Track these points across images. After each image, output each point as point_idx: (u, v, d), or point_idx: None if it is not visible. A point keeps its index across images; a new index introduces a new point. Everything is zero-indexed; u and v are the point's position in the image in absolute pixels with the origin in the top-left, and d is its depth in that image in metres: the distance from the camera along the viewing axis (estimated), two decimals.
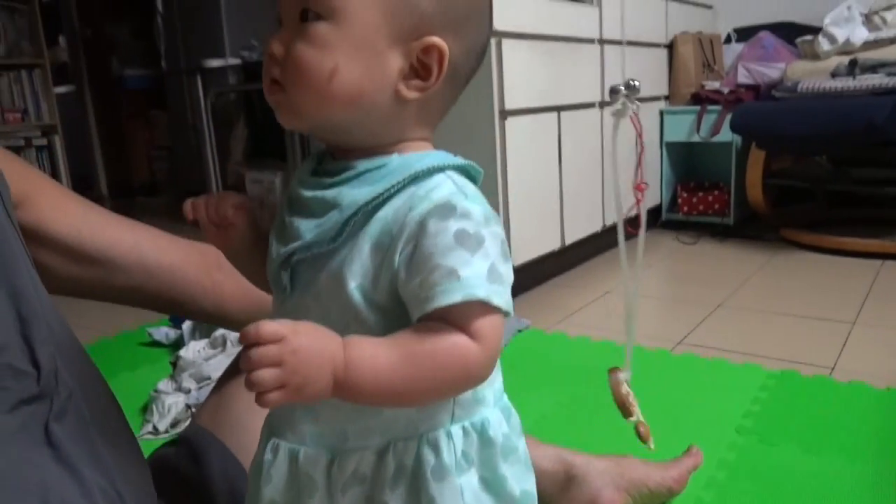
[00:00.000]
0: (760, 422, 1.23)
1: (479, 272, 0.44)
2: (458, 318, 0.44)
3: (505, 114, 1.90)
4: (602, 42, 2.36)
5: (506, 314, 0.46)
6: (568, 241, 2.26)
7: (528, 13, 1.98)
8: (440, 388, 0.46)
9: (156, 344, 1.78)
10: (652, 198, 2.85)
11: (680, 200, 2.88)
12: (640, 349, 1.61)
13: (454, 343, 0.44)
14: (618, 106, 0.81)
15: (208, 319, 0.82)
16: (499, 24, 1.85)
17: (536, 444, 0.95)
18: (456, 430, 0.50)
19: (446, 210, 0.45)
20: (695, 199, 2.84)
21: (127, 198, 5.06)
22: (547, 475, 0.93)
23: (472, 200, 0.46)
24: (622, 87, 0.82)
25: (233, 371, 0.82)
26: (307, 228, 0.48)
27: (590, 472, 0.94)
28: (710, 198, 2.81)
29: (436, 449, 0.49)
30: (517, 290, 2.09)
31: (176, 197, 4.65)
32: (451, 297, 0.43)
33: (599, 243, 2.53)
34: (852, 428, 1.19)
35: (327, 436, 0.51)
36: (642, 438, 0.83)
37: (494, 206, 1.92)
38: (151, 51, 4.54)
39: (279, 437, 0.53)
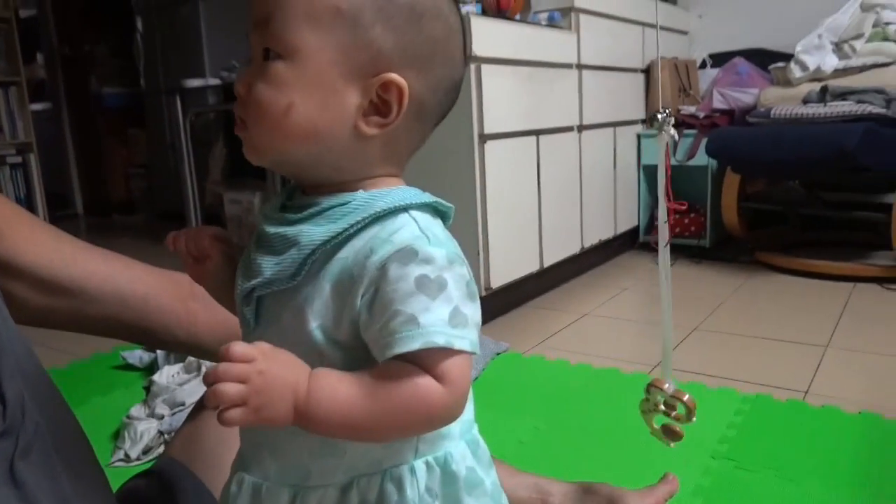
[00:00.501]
0: (735, 447, 1.24)
1: (440, 317, 0.44)
2: (422, 361, 0.45)
3: (484, 137, 1.92)
4: (580, 67, 2.40)
5: (472, 354, 0.46)
6: (546, 264, 2.27)
7: (507, 39, 2.01)
8: (402, 426, 0.46)
9: (129, 367, 1.75)
10: (629, 220, 2.88)
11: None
12: (618, 372, 1.62)
13: (417, 384, 0.44)
14: (670, 132, 0.87)
15: (182, 349, 0.82)
16: (478, 49, 1.87)
17: (513, 472, 0.95)
18: (419, 465, 0.50)
19: (407, 255, 0.45)
20: (671, 222, 2.87)
21: (103, 216, 5.01)
22: None
23: (434, 244, 0.46)
24: (659, 115, 0.87)
25: None
26: (268, 265, 0.48)
27: (566, 501, 0.94)
28: (687, 220, 2.85)
29: (399, 485, 0.49)
30: (496, 313, 2.10)
31: (153, 216, 4.61)
32: (410, 344, 0.44)
33: (578, 265, 2.55)
34: (826, 453, 1.21)
35: (290, 473, 0.51)
36: (678, 437, 0.92)
37: (473, 228, 1.95)
38: (130, 69, 4.52)
39: (245, 470, 0.53)
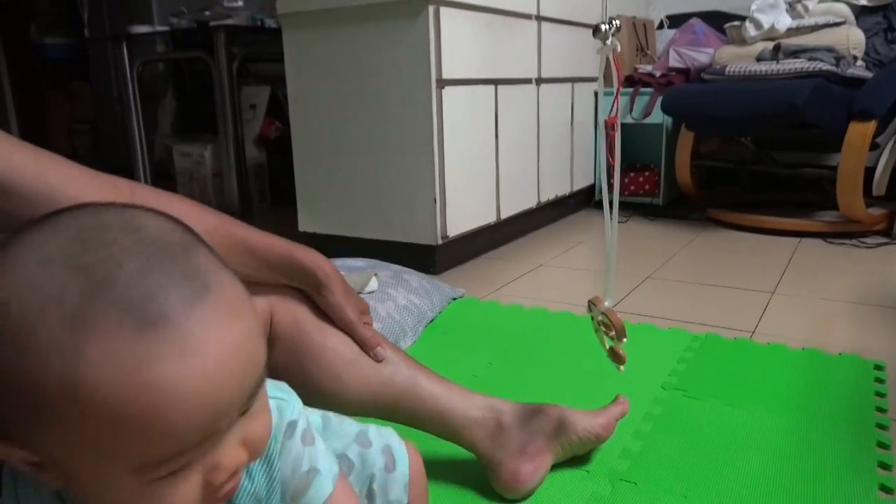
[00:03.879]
0: (685, 379, 1.26)
1: None
2: None
3: (442, 82, 1.89)
4: (539, 19, 2.38)
5: None
6: (503, 216, 2.27)
7: None
8: None
9: None
10: (585, 178, 2.90)
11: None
12: (570, 315, 1.63)
13: None
14: (612, 43, 0.88)
15: None
16: None
17: (467, 393, 0.94)
18: None
19: None
20: (626, 180, 2.90)
21: None
22: (477, 423, 0.92)
23: None
24: (605, 25, 0.86)
25: None
26: None
27: (518, 420, 0.94)
28: (641, 178, 2.88)
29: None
30: (451, 263, 2.09)
31: None
32: None
33: (534, 220, 2.56)
34: (770, 383, 1.24)
35: None
36: (621, 360, 0.95)
37: (430, 174, 1.94)
38: (74, 18, 4.31)
39: None
